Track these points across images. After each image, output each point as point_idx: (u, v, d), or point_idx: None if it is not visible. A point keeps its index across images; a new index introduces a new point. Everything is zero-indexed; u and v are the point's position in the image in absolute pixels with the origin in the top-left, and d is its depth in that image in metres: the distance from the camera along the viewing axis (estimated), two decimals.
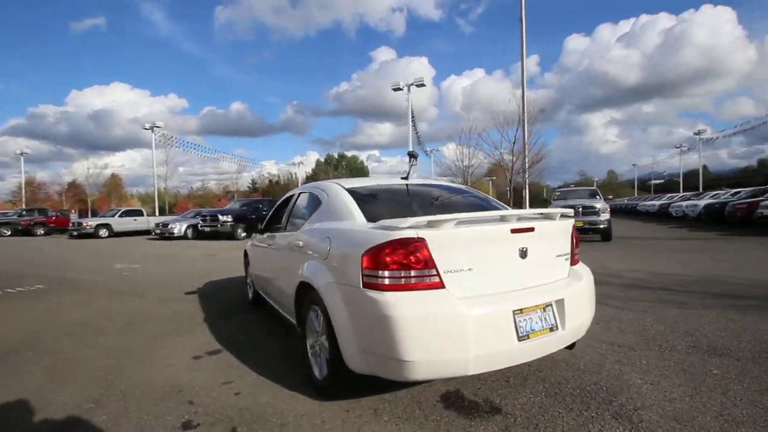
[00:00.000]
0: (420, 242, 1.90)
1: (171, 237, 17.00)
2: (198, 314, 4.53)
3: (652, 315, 3.84)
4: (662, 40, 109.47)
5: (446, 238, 1.94)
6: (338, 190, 2.75)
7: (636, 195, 48.63)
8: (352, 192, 2.69)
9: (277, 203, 4.31)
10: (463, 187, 3.35)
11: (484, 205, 2.87)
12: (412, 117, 18.65)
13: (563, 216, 2.42)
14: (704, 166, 45.61)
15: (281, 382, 2.66)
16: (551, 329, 2.09)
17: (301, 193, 3.48)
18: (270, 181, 54.73)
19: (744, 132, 31.75)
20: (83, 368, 3.01)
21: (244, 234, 16.18)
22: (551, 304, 2.12)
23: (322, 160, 66.47)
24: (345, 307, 2.09)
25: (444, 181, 3.21)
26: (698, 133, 33.01)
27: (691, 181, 43.82)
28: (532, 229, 2.16)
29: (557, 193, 14.28)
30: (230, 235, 15.84)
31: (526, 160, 17.67)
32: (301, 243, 2.75)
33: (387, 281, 1.90)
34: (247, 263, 5.09)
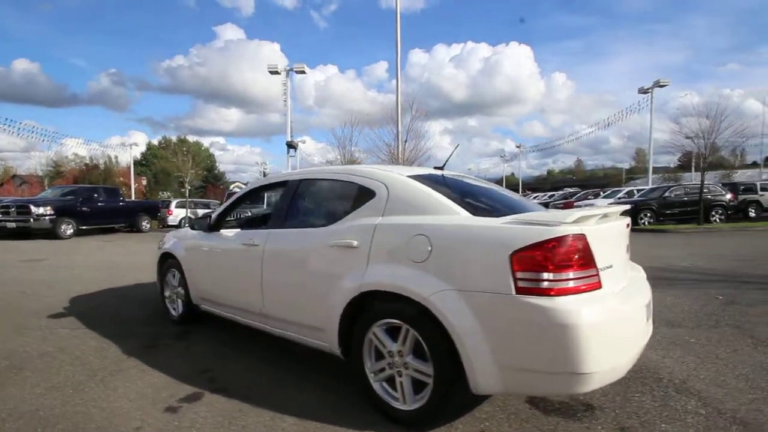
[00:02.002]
0: (583, 239, 1.70)
1: None
2: (106, 346, 3.21)
3: None
4: (482, 66, 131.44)
5: (598, 234, 1.80)
6: (404, 179, 2.28)
7: None
8: (421, 181, 2.28)
9: (244, 192, 3.37)
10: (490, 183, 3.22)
11: (527, 204, 2.82)
12: (288, 112, 17.49)
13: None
14: (512, 174, 57.12)
15: (340, 422, 2.07)
16: (647, 319, 2.17)
17: (315, 179, 2.79)
18: (86, 165, 43.84)
19: (542, 149, 41.13)
20: None
21: (71, 230, 12.53)
22: None
23: (156, 143, 56.86)
24: (479, 318, 1.73)
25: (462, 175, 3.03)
26: (519, 146, 41.22)
27: (503, 185, 54.40)
28: (629, 225, 2.21)
29: None
30: (50, 233, 12.03)
31: (402, 152, 18.56)
32: (355, 243, 2.19)
33: (554, 284, 1.64)
34: (166, 270, 3.88)
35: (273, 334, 2.78)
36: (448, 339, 1.81)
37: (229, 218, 3.50)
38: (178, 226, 17.44)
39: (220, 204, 17.26)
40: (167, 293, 3.92)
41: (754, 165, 38.39)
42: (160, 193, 45.87)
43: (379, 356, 2.12)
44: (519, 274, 1.67)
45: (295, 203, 2.79)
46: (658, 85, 20.83)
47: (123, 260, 8.11)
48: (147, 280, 5.80)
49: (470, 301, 1.76)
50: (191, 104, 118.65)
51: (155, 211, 17.31)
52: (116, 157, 47.10)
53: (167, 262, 3.89)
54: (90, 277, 6.09)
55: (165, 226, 17.51)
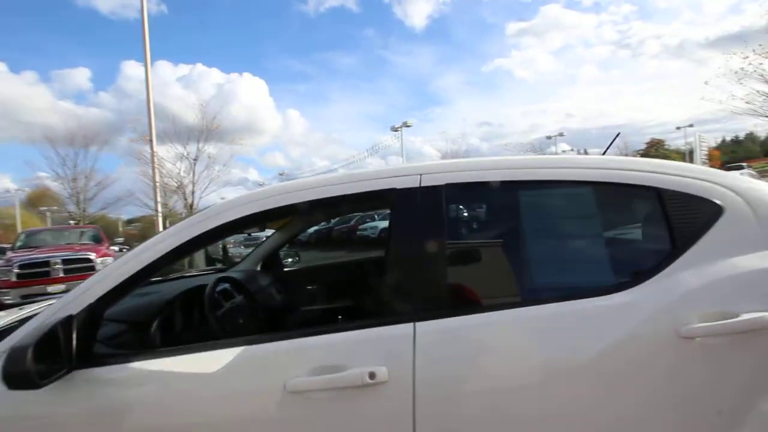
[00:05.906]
0: None
1: None
2: None
3: None
4: (216, 92, 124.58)
5: None
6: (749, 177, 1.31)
7: None
8: None
9: (198, 232, 1.19)
10: None
11: None
12: None
13: None
14: None
15: None
16: None
17: (576, 188, 1.20)
18: None
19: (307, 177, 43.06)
20: None
21: None
22: None
23: None
24: None
25: None
26: (282, 173, 41.92)
27: None
28: None
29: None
30: None
31: (157, 184, 15.31)
32: None
33: None
34: None
35: None
36: None
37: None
38: None
39: None
40: None
41: None
42: None
43: None
44: None
45: (456, 247, 1.19)
46: (405, 125, 25.83)
47: None
48: None
49: None
50: None
51: None
52: None
53: None
54: None
55: None
